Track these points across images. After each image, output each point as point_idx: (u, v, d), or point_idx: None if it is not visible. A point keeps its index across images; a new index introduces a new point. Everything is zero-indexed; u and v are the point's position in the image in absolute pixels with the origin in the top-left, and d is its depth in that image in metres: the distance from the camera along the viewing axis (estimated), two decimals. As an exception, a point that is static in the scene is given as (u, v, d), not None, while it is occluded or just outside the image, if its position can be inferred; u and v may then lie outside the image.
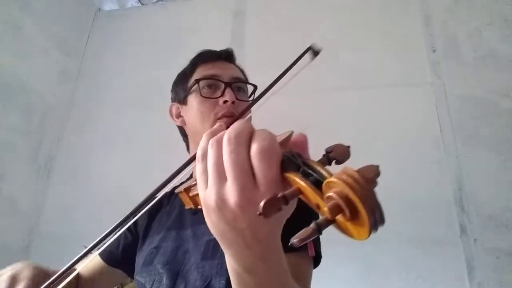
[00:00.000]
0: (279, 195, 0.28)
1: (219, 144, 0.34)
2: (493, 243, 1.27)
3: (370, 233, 0.24)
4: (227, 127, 0.49)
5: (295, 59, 0.59)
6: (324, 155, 0.33)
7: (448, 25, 1.67)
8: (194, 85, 0.80)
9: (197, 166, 0.36)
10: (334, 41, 1.78)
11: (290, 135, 0.46)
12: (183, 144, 0.93)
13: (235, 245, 0.36)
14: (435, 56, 1.62)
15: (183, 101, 0.84)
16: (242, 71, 0.89)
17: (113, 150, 1.83)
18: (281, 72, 0.60)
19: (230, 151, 0.33)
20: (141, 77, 1.97)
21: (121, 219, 0.51)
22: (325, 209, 0.25)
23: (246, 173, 0.32)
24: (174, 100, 0.90)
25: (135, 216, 0.50)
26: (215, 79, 0.79)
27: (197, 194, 0.50)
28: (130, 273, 0.78)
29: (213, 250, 0.64)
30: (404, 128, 1.52)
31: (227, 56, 0.87)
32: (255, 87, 0.87)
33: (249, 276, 0.38)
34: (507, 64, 1.52)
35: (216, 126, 0.39)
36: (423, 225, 1.33)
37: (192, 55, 0.88)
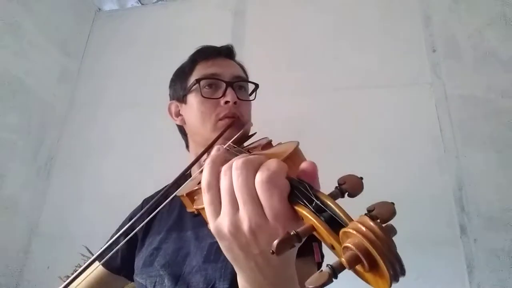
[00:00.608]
0: (292, 233, 0.28)
1: (230, 170, 0.35)
2: (493, 243, 1.27)
3: (390, 285, 0.24)
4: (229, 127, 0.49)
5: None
6: (336, 187, 0.33)
7: (448, 25, 1.67)
8: (194, 84, 0.78)
9: (204, 196, 0.37)
10: (334, 41, 1.78)
11: (297, 148, 0.46)
12: (183, 144, 0.93)
13: (248, 269, 0.37)
14: (435, 56, 1.62)
15: (182, 99, 0.82)
16: (242, 68, 0.87)
17: (113, 150, 1.83)
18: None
19: (238, 175, 0.33)
20: (141, 77, 1.97)
21: (125, 227, 0.51)
22: (343, 259, 0.25)
23: (254, 199, 0.33)
24: (172, 97, 0.87)
25: (141, 221, 0.50)
26: (216, 79, 0.77)
27: (202, 208, 0.50)
28: (132, 278, 0.77)
29: (216, 253, 0.64)
30: (404, 128, 1.52)
31: (227, 52, 0.85)
32: (257, 85, 0.85)
33: None
34: (507, 64, 1.52)
35: (214, 151, 0.40)
36: (423, 225, 1.32)
37: (191, 55, 0.87)
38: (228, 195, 0.34)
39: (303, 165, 0.36)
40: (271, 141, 0.74)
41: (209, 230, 0.67)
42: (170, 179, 0.92)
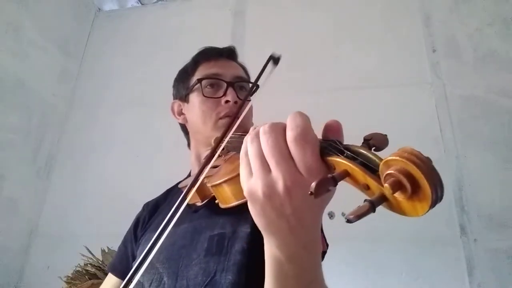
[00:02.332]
0: (328, 176, 0.29)
1: (257, 137, 0.36)
2: (493, 243, 1.27)
3: (429, 209, 0.25)
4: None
5: (259, 71, 0.63)
6: (363, 143, 0.34)
7: (448, 25, 1.67)
8: (196, 84, 0.80)
9: (241, 162, 0.39)
10: (334, 41, 1.78)
11: None
12: (183, 144, 0.93)
13: (280, 232, 0.37)
14: (435, 56, 1.62)
15: (184, 98, 0.84)
16: (244, 69, 0.88)
17: (113, 150, 1.83)
18: (251, 85, 0.64)
19: (267, 139, 0.35)
20: (141, 77, 1.97)
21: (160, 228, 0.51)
22: (385, 185, 0.26)
23: (286, 158, 0.34)
24: (175, 97, 0.89)
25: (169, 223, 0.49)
26: (217, 79, 0.79)
27: (217, 184, 0.51)
28: None
29: (218, 246, 0.63)
30: (404, 128, 1.52)
31: (229, 53, 0.87)
32: (257, 86, 0.87)
33: (290, 265, 0.39)
34: (507, 64, 1.52)
35: (252, 129, 0.41)
36: (423, 225, 1.33)
37: (192, 55, 0.88)
38: (259, 159, 0.35)
39: (328, 122, 0.38)
40: None
41: (208, 222, 0.67)
42: (170, 179, 0.92)
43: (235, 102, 0.76)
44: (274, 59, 0.66)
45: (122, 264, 0.83)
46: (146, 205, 0.90)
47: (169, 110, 0.90)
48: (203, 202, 0.63)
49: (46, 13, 1.89)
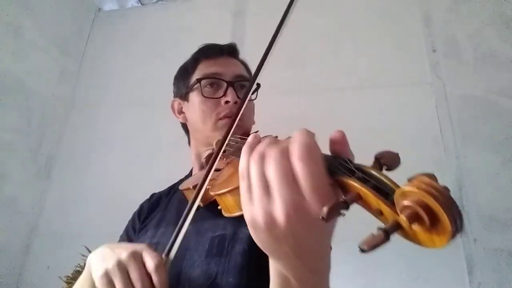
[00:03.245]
0: (340, 200, 0.28)
1: (260, 158, 0.34)
2: (493, 243, 1.27)
3: (448, 242, 0.24)
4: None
5: (285, 10, 0.61)
6: (374, 162, 0.33)
7: (448, 25, 1.67)
8: (195, 83, 0.79)
9: (241, 184, 0.36)
10: (333, 41, 1.78)
11: None
12: (183, 144, 0.93)
13: (286, 258, 0.36)
14: (435, 56, 1.62)
15: (184, 97, 0.83)
16: (245, 66, 0.87)
17: (113, 150, 1.83)
18: (278, 23, 0.61)
19: (270, 163, 0.32)
20: (141, 77, 1.97)
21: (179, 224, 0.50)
22: (402, 217, 0.25)
23: (289, 181, 0.31)
24: (176, 95, 0.88)
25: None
26: (217, 78, 0.78)
27: (220, 194, 0.50)
28: None
29: (218, 247, 0.63)
30: (404, 128, 1.52)
31: (230, 51, 0.86)
32: (258, 85, 0.86)
33: (297, 283, 0.38)
34: (507, 64, 1.52)
35: (251, 138, 0.38)
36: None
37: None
38: (260, 184, 0.33)
39: (333, 136, 0.35)
40: (276, 137, 0.75)
41: (210, 223, 0.67)
42: (170, 179, 0.92)
43: (235, 103, 0.75)
44: None
45: None
46: (151, 197, 0.89)
47: (169, 108, 0.90)
48: (205, 204, 0.63)
49: (46, 13, 1.89)
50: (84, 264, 1.33)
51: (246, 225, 0.62)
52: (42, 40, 1.86)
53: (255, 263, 0.58)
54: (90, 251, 1.32)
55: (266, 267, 0.58)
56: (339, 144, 0.35)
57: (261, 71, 0.55)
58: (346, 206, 0.28)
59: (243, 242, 0.61)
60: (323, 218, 0.27)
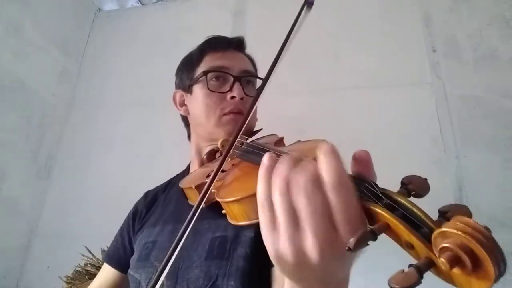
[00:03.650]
0: (368, 230, 0.27)
1: (286, 187, 0.30)
2: (493, 243, 1.27)
3: (492, 285, 0.23)
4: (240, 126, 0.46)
5: (294, 19, 0.59)
6: (402, 187, 0.31)
7: (448, 25, 1.67)
8: (201, 76, 0.76)
9: (262, 213, 0.32)
10: (334, 41, 1.78)
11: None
12: (183, 144, 0.93)
13: (309, 285, 0.34)
14: (435, 56, 1.62)
15: (188, 89, 0.80)
16: (252, 62, 0.85)
17: (113, 150, 1.83)
18: (285, 37, 0.59)
19: (300, 195, 0.29)
20: (141, 77, 1.97)
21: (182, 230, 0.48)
22: (442, 260, 0.24)
23: (321, 213, 0.29)
24: (178, 86, 0.85)
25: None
26: (224, 72, 0.75)
27: (229, 201, 0.47)
28: None
29: (219, 249, 0.61)
30: (404, 128, 1.51)
31: (238, 44, 0.83)
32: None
33: None
34: (507, 64, 1.52)
35: (266, 159, 0.34)
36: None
37: (192, 55, 0.87)
38: (287, 213, 0.30)
39: (358, 154, 0.33)
40: (282, 138, 0.73)
41: (210, 223, 0.65)
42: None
43: (241, 98, 0.73)
44: (309, 2, 0.60)
45: (116, 254, 0.82)
46: (146, 195, 0.88)
47: (169, 108, 0.88)
48: (207, 205, 0.62)
49: (46, 13, 1.89)
50: (84, 264, 1.33)
51: (248, 228, 0.60)
52: (42, 40, 1.86)
53: (257, 268, 0.57)
54: (90, 251, 1.33)
55: (268, 272, 0.58)
56: (365, 165, 0.32)
57: (272, 73, 0.53)
58: (374, 237, 0.27)
59: (245, 246, 0.60)
60: (349, 248, 0.26)
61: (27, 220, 1.71)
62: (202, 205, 0.50)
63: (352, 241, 0.26)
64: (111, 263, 0.82)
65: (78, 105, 2.01)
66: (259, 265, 0.57)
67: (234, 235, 0.62)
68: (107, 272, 0.82)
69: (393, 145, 1.48)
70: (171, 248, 0.46)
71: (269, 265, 0.57)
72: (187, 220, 0.46)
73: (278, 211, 0.31)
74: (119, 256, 0.80)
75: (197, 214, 0.46)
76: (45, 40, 1.88)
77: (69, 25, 2.06)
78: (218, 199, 0.49)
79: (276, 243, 0.31)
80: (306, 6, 0.58)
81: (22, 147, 1.71)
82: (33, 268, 1.65)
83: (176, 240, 0.45)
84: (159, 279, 0.43)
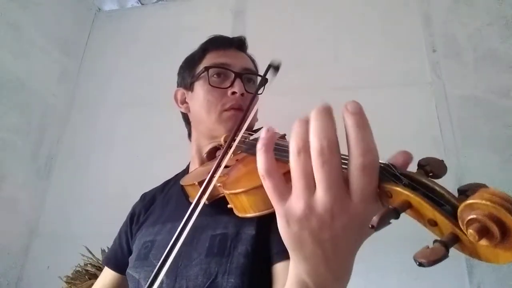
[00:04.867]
0: (390, 207, 0.27)
1: (306, 153, 0.32)
2: (493, 243, 1.27)
3: None
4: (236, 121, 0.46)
5: (259, 82, 0.60)
6: (419, 168, 0.31)
7: (448, 25, 1.67)
8: (203, 72, 0.77)
9: (265, 182, 0.34)
10: (334, 41, 1.78)
11: None
12: (183, 144, 0.93)
13: (313, 259, 0.35)
14: (435, 56, 1.62)
15: (189, 87, 0.81)
16: (253, 61, 0.86)
17: (113, 150, 1.83)
18: (250, 101, 0.61)
19: (323, 162, 0.31)
20: (141, 77, 1.97)
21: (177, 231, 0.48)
22: (470, 231, 0.23)
23: (340, 184, 0.31)
24: (180, 85, 0.86)
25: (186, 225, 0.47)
26: (226, 68, 0.76)
27: (235, 193, 0.47)
28: None
29: (219, 247, 0.61)
30: (404, 128, 1.52)
31: (239, 44, 0.84)
32: (266, 80, 0.85)
33: None
34: (507, 64, 1.52)
35: (264, 134, 0.37)
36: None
37: (192, 55, 0.87)
38: (305, 178, 0.32)
39: (400, 154, 0.34)
40: (284, 135, 0.74)
41: (209, 220, 0.65)
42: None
43: (242, 95, 0.73)
44: (274, 67, 0.62)
45: (114, 255, 0.82)
46: (143, 197, 0.87)
47: (170, 107, 0.87)
48: (210, 202, 0.61)
49: (46, 13, 1.89)
50: (84, 264, 1.33)
51: (250, 226, 0.61)
52: (42, 40, 1.86)
53: (258, 265, 0.57)
54: (90, 251, 1.33)
55: (269, 270, 0.58)
56: (403, 165, 0.33)
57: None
58: (397, 215, 0.27)
59: (246, 243, 0.59)
60: (372, 226, 0.26)
61: (27, 220, 1.71)
62: (205, 201, 0.50)
63: (375, 218, 0.26)
64: (108, 265, 0.82)
65: (78, 105, 2.01)
66: (259, 262, 0.57)
67: (235, 233, 0.61)
68: (106, 274, 0.83)
69: (393, 145, 1.47)
70: (170, 243, 0.46)
71: (270, 263, 0.57)
72: (187, 214, 0.46)
73: (294, 174, 0.33)
74: (117, 258, 0.81)
75: (199, 208, 0.46)
76: (45, 40, 1.88)
77: (69, 25, 2.06)
78: (225, 191, 0.49)
79: (289, 201, 0.33)
80: (272, 70, 0.60)
81: (22, 147, 1.71)
82: (33, 268, 1.65)
83: (175, 236, 0.46)
84: (158, 275, 0.43)
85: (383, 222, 0.26)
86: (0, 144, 1.59)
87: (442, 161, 0.32)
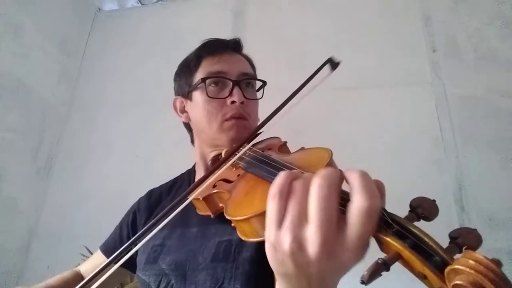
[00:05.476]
0: (379, 262, 0.27)
1: (305, 187, 0.32)
2: (493, 243, 1.27)
3: None
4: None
5: (314, 71, 0.59)
6: (411, 211, 0.32)
7: (448, 25, 1.67)
8: (200, 83, 0.75)
9: (271, 203, 0.34)
10: (333, 41, 1.77)
11: (332, 159, 0.44)
12: (183, 144, 0.93)
13: (296, 284, 0.35)
14: (435, 56, 1.62)
15: (187, 96, 0.79)
16: (250, 62, 0.85)
17: (113, 150, 1.83)
18: (300, 85, 0.60)
19: (322, 197, 0.31)
20: (141, 77, 1.97)
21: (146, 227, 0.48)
22: None
23: (332, 224, 0.31)
24: (177, 93, 0.84)
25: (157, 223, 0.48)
26: (222, 77, 0.75)
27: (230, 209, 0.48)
28: (133, 270, 0.76)
29: (225, 252, 0.61)
30: (404, 128, 1.51)
31: (234, 46, 0.83)
32: (264, 82, 0.83)
33: None
34: (507, 64, 1.52)
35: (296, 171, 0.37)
36: (423, 225, 1.32)
37: (192, 55, 0.87)
38: (298, 212, 0.32)
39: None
40: (285, 142, 0.73)
41: (217, 228, 0.65)
42: (170, 179, 0.92)
43: (242, 103, 0.72)
44: (333, 63, 0.61)
45: (112, 244, 0.83)
46: (149, 194, 0.87)
47: (170, 108, 0.87)
48: (215, 215, 0.61)
49: (46, 13, 1.89)
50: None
51: None
52: (42, 40, 1.86)
53: (263, 272, 0.57)
54: (90, 251, 1.33)
55: (273, 277, 0.58)
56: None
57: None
58: (387, 268, 0.27)
59: (251, 249, 0.60)
60: (363, 282, 0.26)
61: (27, 220, 1.71)
62: (212, 215, 0.50)
63: (365, 274, 0.26)
64: (106, 254, 0.82)
65: (78, 105, 2.01)
66: (265, 269, 0.57)
67: (239, 239, 0.61)
68: (98, 258, 0.83)
69: (393, 145, 1.48)
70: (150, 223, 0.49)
71: None
72: (171, 204, 0.48)
73: (290, 207, 0.33)
74: (115, 247, 0.80)
75: (185, 203, 0.47)
76: (45, 40, 1.88)
77: (69, 25, 2.06)
78: (227, 217, 0.49)
79: (278, 233, 0.33)
80: (329, 65, 0.59)
81: (22, 147, 1.71)
82: (33, 268, 1.65)
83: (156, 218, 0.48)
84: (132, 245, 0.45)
85: (374, 277, 0.26)
86: (0, 144, 1.59)
87: (434, 201, 0.32)
